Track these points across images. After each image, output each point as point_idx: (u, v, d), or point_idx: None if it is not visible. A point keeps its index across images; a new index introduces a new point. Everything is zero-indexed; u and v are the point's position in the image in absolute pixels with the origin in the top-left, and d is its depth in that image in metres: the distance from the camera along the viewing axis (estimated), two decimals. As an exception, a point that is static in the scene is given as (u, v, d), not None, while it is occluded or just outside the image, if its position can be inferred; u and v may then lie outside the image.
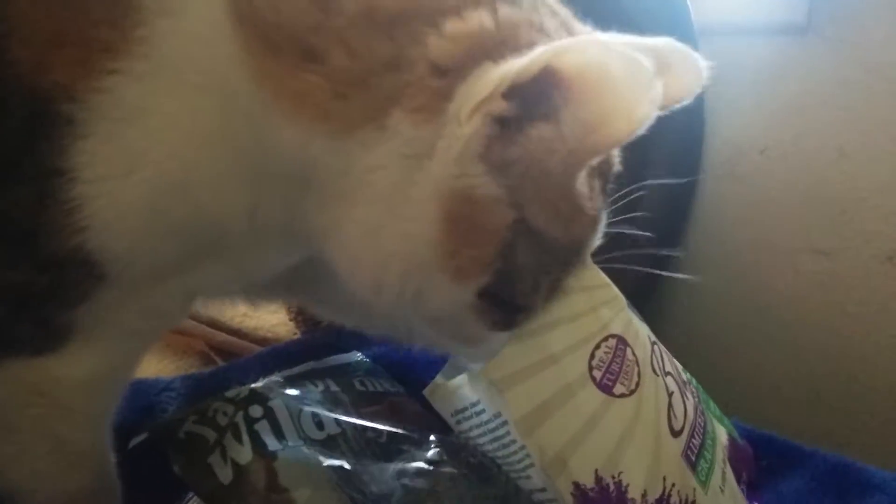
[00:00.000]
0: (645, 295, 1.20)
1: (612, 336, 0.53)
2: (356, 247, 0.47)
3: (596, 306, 0.53)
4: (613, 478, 0.51)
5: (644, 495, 0.51)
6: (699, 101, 1.16)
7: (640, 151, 1.10)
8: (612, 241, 1.11)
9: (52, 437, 0.49)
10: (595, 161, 0.46)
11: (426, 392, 0.60)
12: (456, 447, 0.57)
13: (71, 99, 0.43)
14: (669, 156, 1.14)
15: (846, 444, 1.02)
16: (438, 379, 0.60)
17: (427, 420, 0.61)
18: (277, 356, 0.71)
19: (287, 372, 0.60)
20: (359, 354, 0.69)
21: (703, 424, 0.59)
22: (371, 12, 0.44)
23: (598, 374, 0.52)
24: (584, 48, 0.41)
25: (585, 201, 0.47)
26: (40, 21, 0.43)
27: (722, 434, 0.66)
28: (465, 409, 0.57)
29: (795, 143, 1.06)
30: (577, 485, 0.51)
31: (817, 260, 1.06)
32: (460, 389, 0.57)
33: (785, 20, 1.00)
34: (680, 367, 0.62)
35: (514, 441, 0.54)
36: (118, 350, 0.50)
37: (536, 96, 0.42)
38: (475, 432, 0.56)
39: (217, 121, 0.45)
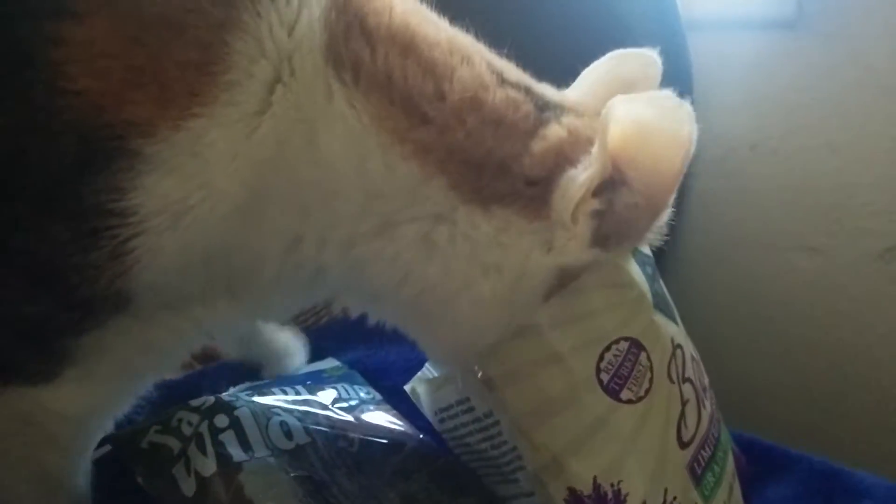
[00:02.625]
0: None
1: (626, 339, 0.50)
2: (461, 310, 0.50)
3: (613, 306, 0.52)
4: (612, 486, 0.49)
5: None
6: (687, 95, 1.15)
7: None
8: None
9: (36, 464, 0.50)
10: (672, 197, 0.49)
11: (408, 389, 0.59)
12: (429, 456, 0.56)
13: (143, 134, 0.42)
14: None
15: (837, 442, 1.01)
16: (421, 375, 0.59)
17: (400, 430, 0.59)
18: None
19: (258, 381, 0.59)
20: (335, 360, 0.67)
21: (716, 435, 0.56)
22: (478, 104, 0.48)
23: (605, 377, 0.49)
24: (619, 122, 0.45)
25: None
26: (116, 54, 0.42)
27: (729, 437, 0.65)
28: (451, 406, 0.55)
29: (786, 139, 1.04)
30: (572, 490, 0.49)
31: (808, 257, 1.05)
32: (444, 387, 0.55)
33: (774, 14, 0.97)
34: (702, 372, 0.59)
35: (505, 442, 0.53)
36: (111, 387, 0.50)
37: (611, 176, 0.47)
38: (462, 431, 0.55)
39: (294, 154, 0.46)
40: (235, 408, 0.52)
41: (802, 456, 0.71)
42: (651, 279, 0.56)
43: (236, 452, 0.49)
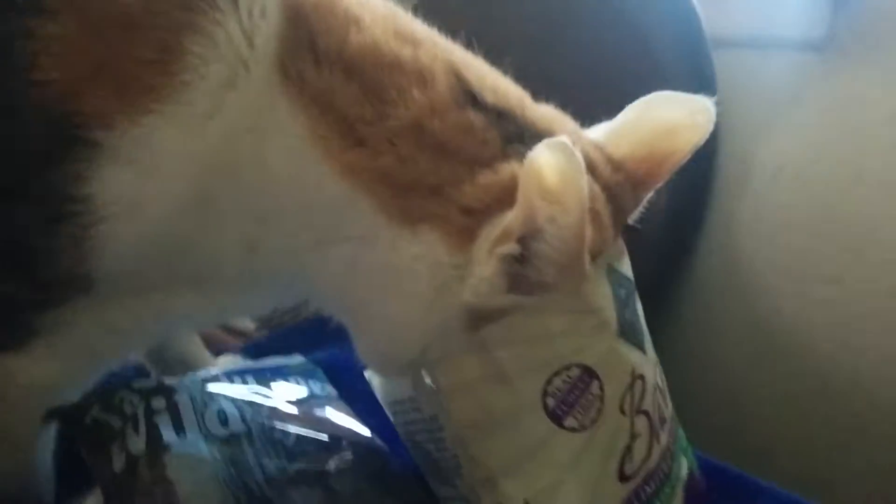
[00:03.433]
0: (645, 310, 1.19)
1: (578, 366, 0.49)
2: (381, 321, 0.51)
3: (568, 331, 0.50)
4: None
5: None
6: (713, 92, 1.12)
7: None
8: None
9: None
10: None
11: (367, 375, 0.58)
12: (367, 455, 0.56)
13: (103, 126, 0.44)
14: (678, 171, 1.10)
15: (846, 480, 0.98)
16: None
17: (345, 427, 0.59)
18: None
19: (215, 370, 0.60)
20: (300, 357, 0.68)
21: (665, 471, 0.55)
22: (420, 129, 0.48)
23: (551, 402, 0.48)
24: (525, 171, 0.44)
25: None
26: (83, 49, 0.44)
27: (683, 469, 0.63)
28: (403, 401, 0.54)
29: (811, 164, 1.00)
30: None
31: (826, 289, 1.01)
32: (401, 381, 0.54)
33: (804, 34, 0.93)
34: (665, 403, 0.58)
35: (447, 448, 0.52)
36: (73, 362, 0.51)
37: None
38: (411, 427, 0.54)
39: (244, 160, 0.47)
40: (175, 392, 0.52)
41: (770, 488, 0.69)
42: (623, 303, 0.54)
43: (168, 434, 0.49)
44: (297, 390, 0.60)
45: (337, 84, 0.48)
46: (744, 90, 1.03)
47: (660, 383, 0.57)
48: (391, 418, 0.57)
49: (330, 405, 0.60)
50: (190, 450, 0.49)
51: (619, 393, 0.51)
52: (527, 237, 0.45)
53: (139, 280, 0.49)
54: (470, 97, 0.50)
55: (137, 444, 0.49)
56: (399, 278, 0.48)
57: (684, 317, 1.14)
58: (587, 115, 0.59)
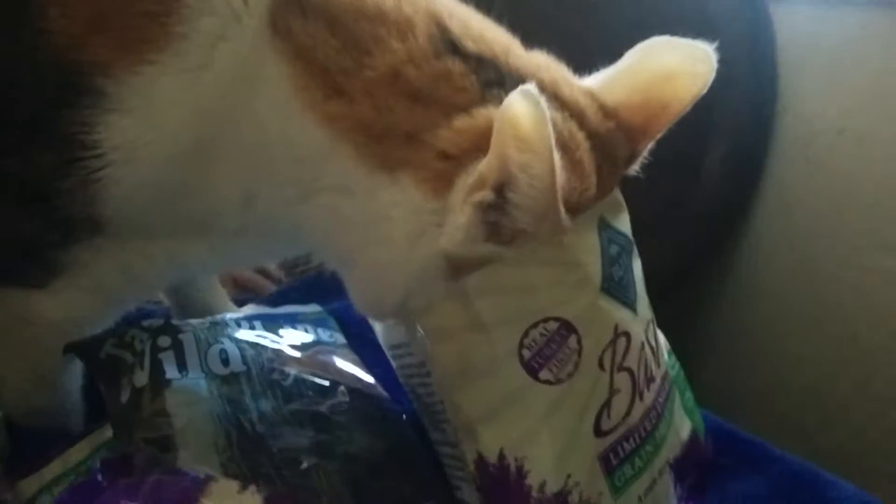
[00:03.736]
0: (695, 274, 1.15)
1: (556, 319, 0.50)
2: (365, 270, 0.52)
3: (548, 284, 0.50)
4: (516, 460, 0.50)
5: (542, 486, 0.50)
6: (772, 73, 1.08)
7: (701, 119, 1.04)
8: (664, 211, 1.06)
9: (25, 360, 0.57)
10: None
11: (370, 319, 0.60)
12: (360, 401, 0.59)
13: (106, 75, 0.47)
14: (735, 129, 1.05)
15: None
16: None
17: (348, 372, 0.62)
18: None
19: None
20: (316, 306, 0.71)
21: (647, 429, 0.55)
22: (396, 77, 0.49)
23: (527, 353, 0.49)
24: (497, 119, 0.44)
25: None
26: (86, 4, 0.48)
27: (682, 432, 0.62)
28: (400, 346, 0.56)
29: (875, 126, 0.95)
30: (480, 456, 0.51)
31: (887, 256, 0.97)
32: (397, 326, 0.56)
33: (869, -11, 0.90)
34: (657, 362, 0.57)
35: (435, 393, 0.54)
36: (93, 301, 0.55)
37: None
38: (407, 371, 0.56)
39: (238, 110, 0.49)
40: (181, 331, 0.56)
41: (783, 457, 0.68)
42: (613, 260, 0.54)
43: (170, 370, 0.53)
44: (304, 336, 0.63)
45: (320, 36, 0.49)
46: (805, 48, 0.99)
47: (651, 342, 0.57)
48: (392, 362, 0.59)
49: (336, 352, 0.63)
50: (189, 386, 0.53)
51: (598, 348, 0.52)
52: (502, 185, 0.45)
53: (146, 223, 0.53)
54: (451, 45, 0.50)
55: (142, 378, 0.52)
56: (379, 225, 0.49)
57: (740, 282, 1.12)
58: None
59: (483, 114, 0.48)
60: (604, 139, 0.53)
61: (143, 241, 0.54)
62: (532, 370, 0.50)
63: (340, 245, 0.52)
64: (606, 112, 0.54)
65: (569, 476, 0.50)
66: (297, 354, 0.60)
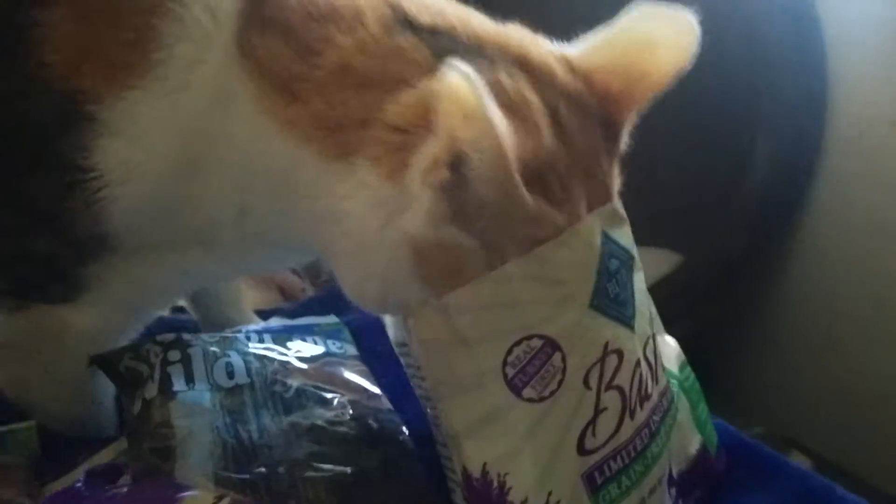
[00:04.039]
0: (743, 274, 1.10)
1: (540, 337, 0.50)
2: (343, 265, 0.54)
3: (532, 301, 0.50)
4: (499, 476, 0.50)
5: (524, 503, 0.50)
6: (821, 64, 1.02)
7: (751, 114, 1.01)
8: (711, 209, 1.03)
9: (59, 371, 0.61)
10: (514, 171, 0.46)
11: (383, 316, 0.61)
12: (361, 412, 0.60)
13: (96, 101, 0.51)
14: (785, 123, 1.01)
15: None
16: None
17: (354, 382, 0.64)
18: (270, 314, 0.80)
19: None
20: (334, 317, 0.73)
21: (638, 448, 0.54)
22: (344, 70, 0.51)
23: (510, 370, 0.49)
24: (439, 98, 0.44)
25: (549, 214, 0.50)
26: (73, 34, 0.51)
27: (690, 446, 0.61)
28: (405, 345, 0.57)
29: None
30: (464, 470, 0.52)
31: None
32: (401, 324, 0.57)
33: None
34: (654, 379, 0.56)
35: (430, 398, 0.55)
36: (115, 313, 0.60)
37: None
38: (411, 371, 0.57)
39: (217, 129, 0.52)
40: (190, 346, 0.59)
41: (799, 471, 0.67)
42: (609, 276, 0.54)
43: (178, 383, 0.56)
44: (314, 349, 0.65)
45: (276, 49, 0.51)
46: (857, 38, 0.94)
47: (650, 358, 0.56)
48: (401, 360, 0.59)
49: (345, 363, 0.65)
50: (194, 398, 0.56)
51: (584, 366, 0.51)
52: (456, 163, 0.45)
53: (152, 238, 0.56)
54: (405, 22, 0.52)
55: (152, 390, 0.56)
56: (344, 220, 0.51)
57: (792, 283, 1.08)
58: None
59: (426, 85, 0.49)
60: (573, 100, 0.53)
61: (153, 256, 0.57)
62: (515, 388, 0.50)
63: (321, 243, 0.54)
64: (577, 73, 0.54)
65: (550, 494, 0.50)
66: (303, 366, 0.63)
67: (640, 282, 0.58)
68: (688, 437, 0.62)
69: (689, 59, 0.54)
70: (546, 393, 0.50)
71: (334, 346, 0.67)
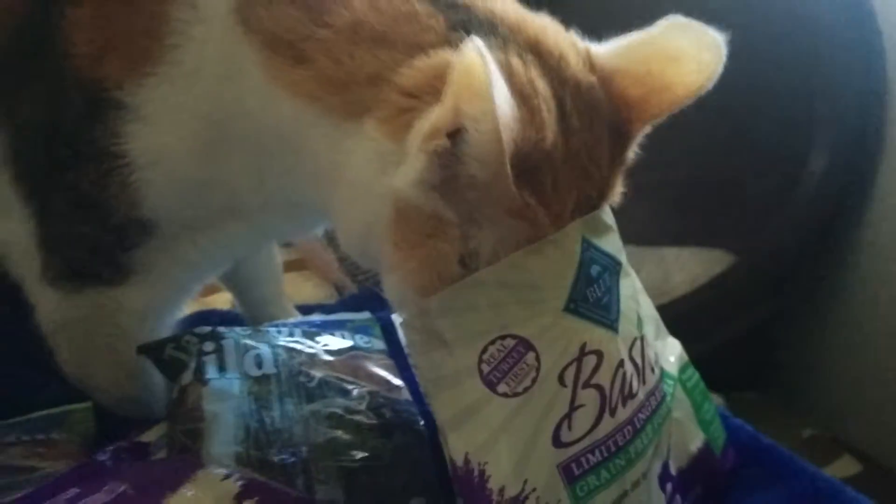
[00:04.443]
0: (797, 279, 1.07)
1: (513, 337, 0.53)
2: (338, 212, 0.58)
3: (504, 303, 0.54)
4: (479, 465, 0.54)
5: (502, 490, 0.53)
6: (880, 63, 0.98)
7: (807, 116, 0.99)
8: (764, 212, 1.03)
9: (113, 352, 0.67)
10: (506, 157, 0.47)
11: (396, 322, 0.65)
12: (379, 402, 0.66)
13: (121, 88, 0.56)
14: (842, 125, 0.99)
15: None
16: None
17: (379, 374, 0.69)
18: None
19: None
20: (367, 313, 0.78)
21: (620, 443, 0.57)
22: (356, 27, 0.53)
23: (486, 368, 0.53)
24: (451, 69, 0.46)
25: (533, 210, 0.51)
26: (98, 27, 0.57)
27: (692, 444, 0.64)
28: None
29: None
30: (451, 459, 0.56)
31: None
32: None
33: None
34: (641, 379, 0.59)
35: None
36: (164, 290, 0.67)
37: None
38: (414, 370, 0.61)
39: (231, 104, 0.57)
40: (224, 338, 0.66)
41: (810, 471, 0.67)
42: (590, 280, 0.57)
43: (211, 371, 0.63)
44: (341, 342, 0.71)
45: (282, 14, 0.54)
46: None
47: (636, 359, 0.59)
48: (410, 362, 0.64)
49: (371, 357, 0.71)
50: (224, 385, 0.63)
51: (559, 365, 0.55)
52: (455, 134, 0.47)
53: (186, 217, 0.62)
54: None
55: (188, 377, 0.63)
56: (346, 170, 0.54)
57: (850, 291, 1.04)
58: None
59: (441, 55, 0.51)
60: (582, 91, 0.54)
61: (189, 233, 0.63)
62: (490, 384, 0.54)
63: (323, 195, 0.58)
64: (594, 68, 0.56)
65: (525, 482, 0.54)
66: (330, 359, 0.69)
67: (627, 287, 0.61)
68: (689, 436, 0.65)
69: (712, 77, 0.55)
70: (520, 389, 0.54)
71: (362, 341, 0.73)
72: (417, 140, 0.50)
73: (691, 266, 1.05)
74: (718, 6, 1.05)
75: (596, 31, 0.59)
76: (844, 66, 0.95)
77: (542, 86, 0.52)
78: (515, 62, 0.52)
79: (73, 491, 0.49)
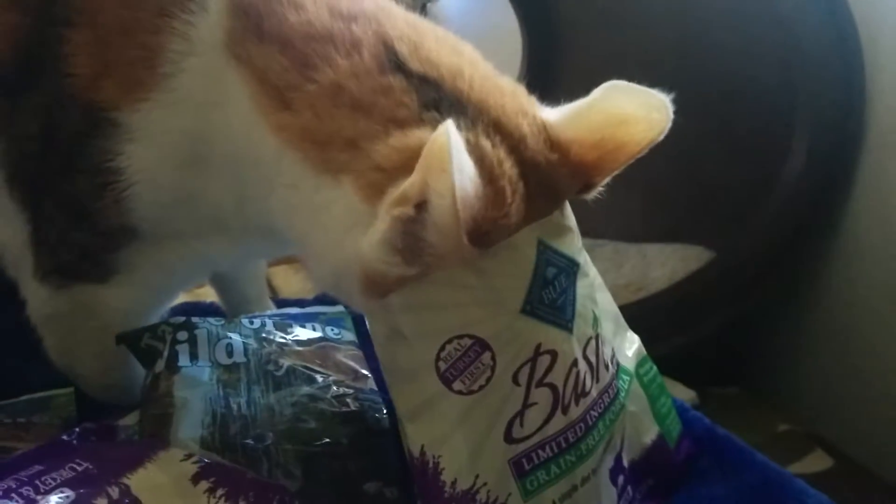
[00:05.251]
0: (779, 274, 1.08)
1: (470, 336, 0.55)
2: (312, 258, 0.61)
3: (462, 304, 0.56)
4: (434, 457, 0.56)
5: (454, 483, 0.55)
6: (859, 62, 0.98)
7: (787, 114, 1.00)
8: (745, 206, 1.05)
9: (97, 344, 0.71)
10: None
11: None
12: (343, 391, 0.68)
13: (117, 110, 0.60)
14: (822, 122, 0.99)
15: None
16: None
17: (347, 364, 0.71)
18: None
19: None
20: (340, 307, 0.80)
21: (570, 440, 0.59)
22: (338, 90, 0.56)
23: (442, 365, 0.55)
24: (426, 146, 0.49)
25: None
26: (95, 52, 0.60)
27: (646, 437, 0.66)
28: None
29: None
30: (409, 450, 0.58)
31: None
32: None
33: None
34: (594, 377, 0.61)
35: None
36: (145, 292, 0.70)
37: None
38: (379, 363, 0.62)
39: (218, 128, 0.60)
40: (197, 328, 0.68)
41: (762, 462, 0.69)
42: (546, 282, 0.58)
43: (183, 359, 0.65)
44: (311, 333, 0.74)
45: (272, 58, 0.58)
46: (893, 33, 0.91)
47: (590, 358, 0.61)
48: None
49: (339, 348, 0.73)
50: (195, 373, 0.65)
51: (514, 365, 0.56)
52: (421, 205, 0.50)
53: (171, 227, 0.65)
54: (396, 64, 0.56)
55: (161, 365, 0.65)
56: (321, 214, 0.57)
57: (829, 277, 1.06)
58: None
59: (416, 135, 0.54)
60: (542, 169, 0.57)
61: (174, 242, 0.67)
62: (447, 380, 0.56)
63: (297, 231, 0.60)
64: (553, 145, 0.58)
65: (477, 476, 0.56)
66: (299, 349, 0.71)
67: (584, 287, 0.62)
68: (643, 429, 0.66)
69: (663, 132, 0.58)
70: (475, 387, 0.56)
71: (332, 332, 0.75)
72: (386, 205, 0.52)
73: (671, 262, 1.07)
74: (702, 9, 1.08)
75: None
76: (823, 64, 0.95)
77: (508, 166, 0.54)
78: (484, 143, 0.54)
79: (36, 468, 0.51)
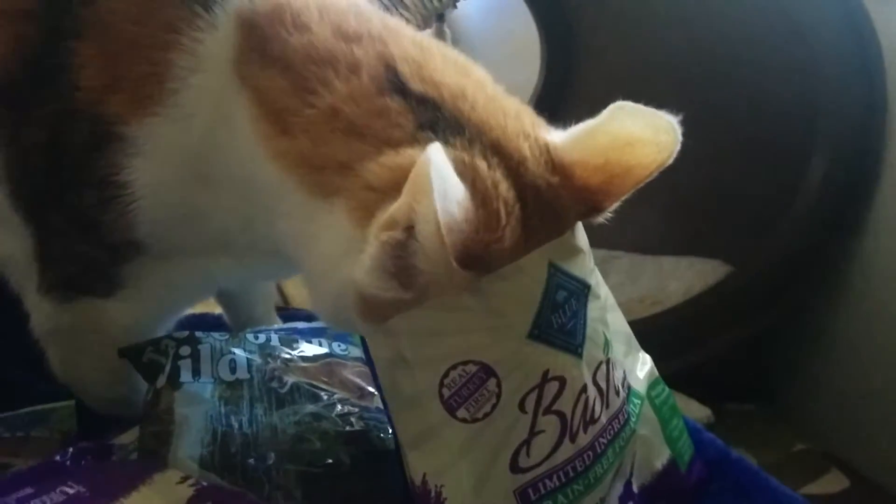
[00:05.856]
0: (798, 285, 1.06)
1: (475, 362, 0.53)
2: (310, 281, 0.61)
3: (468, 329, 0.54)
4: (436, 486, 0.55)
5: None
6: (880, 77, 0.96)
7: (806, 129, 0.97)
8: (763, 221, 1.04)
9: (100, 358, 0.70)
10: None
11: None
12: (348, 409, 0.66)
13: (125, 124, 0.59)
14: (842, 138, 0.97)
15: None
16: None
17: (352, 382, 0.70)
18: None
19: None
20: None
21: (579, 468, 0.57)
22: (334, 114, 0.56)
23: (446, 392, 0.54)
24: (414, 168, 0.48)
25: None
26: (105, 65, 0.60)
27: (657, 461, 0.64)
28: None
29: None
30: (410, 477, 0.57)
31: None
32: None
33: None
34: (604, 403, 0.59)
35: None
36: (149, 307, 0.69)
37: None
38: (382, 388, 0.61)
39: (223, 147, 0.59)
40: (201, 342, 0.67)
41: (775, 487, 0.68)
42: (555, 306, 0.56)
43: (185, 375, 0.64)
44: (317, 349, 0.72)
45: (273, 82, 0.57)
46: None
47: (600, 383, 0.59)
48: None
49: (346, 364, 0.72)
50: (196, 389, 0.64)
51: (520, 392, 0.55)
52: (410, 228, 0.49)
53: (175, 243, 0.64)
54: (396, 85, 0.56)
55: (162, 380, 0.64)
56: (317, 242, 0.56)
57: (849, 294, 1.03)
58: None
59: (408, 154, 0.53)
60: (542, 192, 0.56)
61: (180, 258, 0.66)
62: (450, 408, 0.54)
63: (297, 257, 0.60)
64: (556, 167, 0.57)
65: (481, 505, 0.55)
66: (304, 365, 0.70)
67: (595, 309, 0.60)
68: (654, 453, 0.65)
69: (672, 155, 0.56)
70: (480, 414, 0.54)
71: (338, 348, 0.74)
72: (375, 230, 0.51)
73: (687, 275, 1.05)
74: (721, 19, 1.05)
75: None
76: (844, 77, 0.93)
77: (504, 188, 0.53)
78: (480, 164, 0.53)
79: (27, 490, 0.50)
